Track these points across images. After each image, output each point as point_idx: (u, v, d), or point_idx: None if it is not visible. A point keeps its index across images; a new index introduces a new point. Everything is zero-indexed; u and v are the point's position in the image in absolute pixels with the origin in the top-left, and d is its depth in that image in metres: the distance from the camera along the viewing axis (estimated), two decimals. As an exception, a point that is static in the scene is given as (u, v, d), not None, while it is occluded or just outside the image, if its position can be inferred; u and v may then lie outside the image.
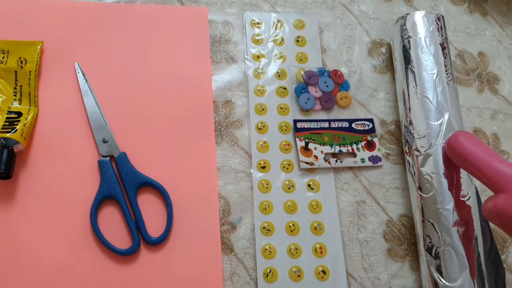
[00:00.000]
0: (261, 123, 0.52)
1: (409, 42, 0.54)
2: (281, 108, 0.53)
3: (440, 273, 0.44)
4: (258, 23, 0.57)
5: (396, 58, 0.56)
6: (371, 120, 0.53)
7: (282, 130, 0.52)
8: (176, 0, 0.56)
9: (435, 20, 0.54)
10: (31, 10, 0.52)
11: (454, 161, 0.45)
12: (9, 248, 0.43)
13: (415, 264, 0.49)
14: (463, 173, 0.47)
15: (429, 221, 0.46)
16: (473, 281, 0.43)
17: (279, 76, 0.54)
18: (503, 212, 0.38)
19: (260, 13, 0.57)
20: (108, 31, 0.53)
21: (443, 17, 0.55)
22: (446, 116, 0.49)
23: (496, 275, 0.46)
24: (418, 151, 0.49)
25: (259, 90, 0.53)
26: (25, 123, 0.46)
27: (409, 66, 0.53)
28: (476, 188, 0.48)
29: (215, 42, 0.55)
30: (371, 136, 0.53)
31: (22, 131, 0.45)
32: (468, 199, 0.46)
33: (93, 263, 0.44)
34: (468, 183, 0.47)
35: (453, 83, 0.52)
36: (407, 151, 0.51)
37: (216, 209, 0.48)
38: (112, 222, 0.46)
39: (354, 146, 0.52)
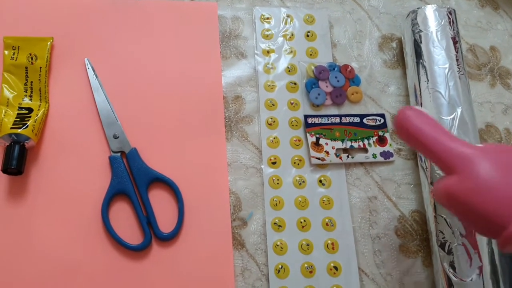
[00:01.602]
0: (271, 118, 0.52)
1: (420, 36, 0.53)
2: (292, 104, 0.52)
3: (454, 269, 0.44)
4: (267, 18, 0.56)
5: (407, 53, 0.55)
6: (382, 116, 0.53)
7: (292, 125, 0.52)
8: (186, -4, 0.56)
9: (447, 14, 0.54)
10: (41, 6, 0.52)
11: (402, 139, 0.40)
12: (20, 244, 0.43)
13: (427, 260, 0.48)
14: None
15: (442, 217, 0.46)
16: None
17: (289, 71, 0.54)
18: (453, 196, 0.35)
19: (270, 8, 0.57)
20: (117, 27, 0.53)
21: (454, 11, 0.55)
22: (459, 110, 0.49)
23: (511, 272, 0.45)
24: (430, 146, 0.48)
25: (269, 86, 0.53)
26: (36, 119, 0.46)
27: (421, 60, 0.52)
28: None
29: (225, 38, 0.55)
30: (382, 132, 0.52)
31: (33, 127, 0.45)
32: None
33: (104, 259, 0.44)
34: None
35: (465, 78, 0.51)
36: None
37: (227, 204, 0.48)
38: (123, 217, 0.45)
39: (366, 141, 0.51)
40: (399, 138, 0.42)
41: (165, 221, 0.46)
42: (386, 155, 0.52)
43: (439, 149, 0.37)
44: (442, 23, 0.53)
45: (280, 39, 0.55)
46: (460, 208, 0.35)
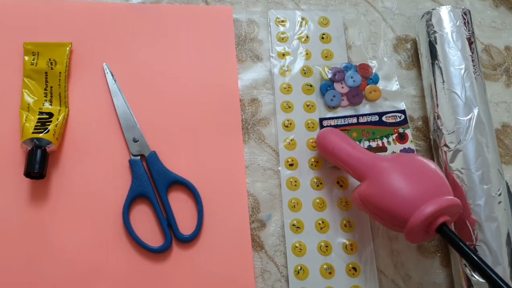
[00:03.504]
0: (288, 120, 0.52)
1: (435, 37, 0.53)
2: (308, 106, 0.53)
3: (473, 269, 0.44)
4: (282, 21, 0.57)
5: (422, 54, 0.55)
6: (403, 112, 0.53)
7: (309, 127, 0.52)
8: (201, 0, 0.56)
9: (462, 15, 0.54)
10: (59, 12, 0.53)
11: (323, 156, 0.49)
12: (43, 247, 0.44)
13: (446, 260, 0.49)
14: (493, 168, 0.47)
15: (459, 217, 0.46)
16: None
17: (304, 73, 0.54)
18: (365, 197, 0.42)
19: (285, 11, 0.57)
20: (134, 32, 0.54)
21: (469, 11, 0.55)
22: (475, 111, 0.49)
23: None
24: (447, 146, 0.48)
25: (285, 88, 0.53)
26: (57, 124, 0.47)
27: (436, 61, 0.52)
28: (507, 184, 0.47)
29: (240, 41, 0.55)
30: (403, 128, 0.52)
31: (54, 132, 0.46)
32: (500, 194, 0.46)
33: (126, 261, 0.44)
34: (499, 179, 0.46)
35: (481, 78, 0.52)
36: (436, 146, 0.50)
37: (245, 206, 0.48)
38: (144, 220, 0.46)
39: (385, 139, 0.51)
40: (320, 153, 0.50)
41: (185, 223, 0.46)
42: (406, 152, 0.51)
43: (352, 161, 0.45)
44: (458, 24, 0.53)
45: (295, 41, 0.56)
46: (371, 208, 0.42)
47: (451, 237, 0.39)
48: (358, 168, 0.44)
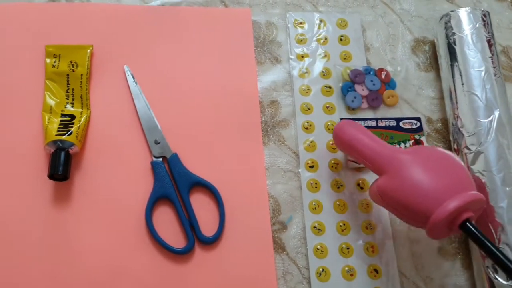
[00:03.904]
0: (307, 122, 0.52)
1: (454, 39, 0.53)
2: (327, 107, 0.53)
3: (496, 271, 0.44)
4: (301, 23, 0.57)
5: (441, 56, 0.55)
6: (418, 119, 0.53)
7: (328, 129, 0.52)
8: (220, 2, 0.57)
9: (481, 17, 0.54)
10: (80, 15, 0.53)
11: (340, 148, 0.47)
12: (66, 249, 0.44)
13: (467, 262, 0.49)
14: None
15: (481, 219, 0.46)
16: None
17: (323, 75, 0.54)
18: (384, 192, 0.41)
19: (303, 13, 0.57)
20: (154, 34, 0.54)
21: (488, 13, 0.55)
22: (496, 113, 0.49)
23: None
24: (468, 149, 0.48)
25: (304, 90, 0.53)
26: (79, 126, 0.47)
27: (456, 63, 0.52)
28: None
29: (259, 43, 0.55)
30: (418, 135, 0.52)
31: (77, 134, 0.46)
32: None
33: (148, 263, 0.45)
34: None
35: (501, 80, 0.52)
36: (456, 149, 0.50)
37: (266, 208, 0.48)
38: (166, 221, 0.46)
39: (402, 145, 0.52)
40: (336, 146, 0.48)
41: (206, 225, 0.46)
42: (422, 158, 0.52)
43: (370, 153, 0.43)
44: (477, 25, 0.53)
45: (314, 43, 0.56)
46: (391, 203, 0.40)
47: (475, 233, 0.38)
48: (377, 160, 0.43)
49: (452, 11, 0.55)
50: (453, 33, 0.54)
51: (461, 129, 0.50)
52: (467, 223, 0.38)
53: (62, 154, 0.45)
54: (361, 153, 0.44)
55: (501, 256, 0.36)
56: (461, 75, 0.52)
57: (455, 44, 0.53)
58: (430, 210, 0.38)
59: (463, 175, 0.40)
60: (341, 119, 0.52)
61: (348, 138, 0.45)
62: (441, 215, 0.37)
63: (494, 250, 0.37)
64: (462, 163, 0.41)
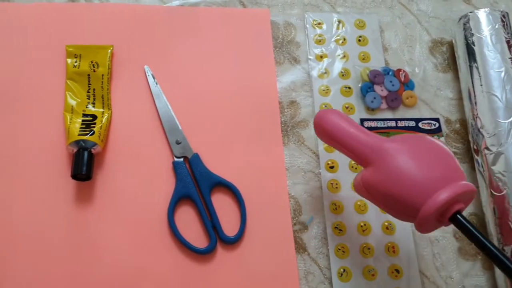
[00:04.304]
0: (331, 123, 0.52)
1: (473, 40, 0.53)
2: (346, 108, 0.53)
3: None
4: (319, 24, 0.57)
5: (459, 57, 0.55)
6: (437, 120, 0.53)
7: (347, 129, 0.52)
8: (238, 3, 0.57)
9: (501, 18, 0.54)
10: (99, 15, 0.53)
11: (322, 139, 0.44)
12: (89, 249, 0.44)
13: (487, 262, 0.49)
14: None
15: (503, 220, 0.46)
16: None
17: (342, 75, 0.54)
18: (370, 184, 0.38)
19: (321, 14, 0.58)
20: (173, 34, 0.54)
21: (507, 14, 0.55)
22: (517, 114, 0.49)
23: None
24: (489, 149, 0.49)
25: (323, 90, 0.54)
26: (101, 126, 0.47)
27: (475, 64, 0.52)
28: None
29: (278, 43, 0.55)
30: (437, 136, 0.52)
31: (99, 133, 0.46)
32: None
33: (171, 262, 0.45)
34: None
35: (520, 81, 0.52)
36: (476, 149, 0.51)
37: (287, 209, 0.48)
38: (188, 221, 0.46)
39: (421, 145, 0.52)
40: (318, 137, 0.44)
41: (228, 225, 0.46)
42: (441, 158, 0.52)
43: (354, 143, 0.40)
44: (496, 26, 0.53)
45: (333, 44, 0.56)
46: (377, 196, 0.38)
47: (466, 226, 0.35)
48: (362, 151, 0.39)
49: (470, 12, 0.55)
50: (472, 34, 0.54)
51: (480, 130, 0.50)
52: (458, 216, 0.35)
53: (85, 154, 0.45)
54: (344, 143, 0.41)
55: (493, 249, 0.34)
56: (480, 76, 0.52)
57: (474, 45, 0.53)
58: (420, 203, 0.35)
59: (452, 164, 0.37)
60: (361, 119, 0.52)
61: (330, 127, 0.41)
62: (432, 207, 0.34)
63: (486, 242, 0.34)
64: (450, 152, 0.38)
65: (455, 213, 0.35)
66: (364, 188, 0.39)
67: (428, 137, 0.40)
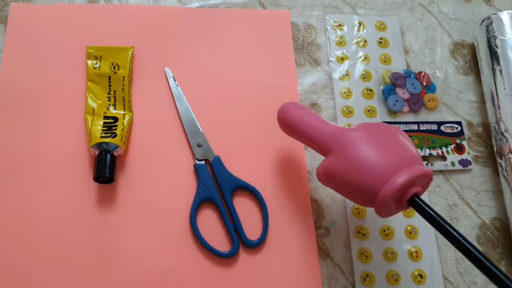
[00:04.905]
0: (349, 125, 0.52)
1: (496, 42, 0.53)
2: (368, 111, 0.53)
3: (544, 278, 0.43)
4: (340, 25, 0.56)
5: (481, 59, 0.55)
6: (459, 123, 0.53)
7: (369, 132, 0.52)
8: (258, 4, 0.56)
9: (524, 20, 0.53)
10: (118, 16, 0.53)
11: (285, 131, 0.45)
12: (112, 252, 0.44)
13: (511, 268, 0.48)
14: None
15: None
16: None
17: (364, 78, 0.54)
18: (330, 172, 0.39)
19: (342, 15, 0.57)
20: (194, 36, 0.54)
21: (531, 16, 0.54)
22: (542, 117, 0.48)
23: None
24: (513, 153, 0.48)
25: (344, 93, 0.53)
26: (123, 128, 0.47)
27: (498, 67, 0.52)
28: None
29: (298, 45, 0.55)
30: (459, 139, 0.52)
31: (122, 136, 0.46)
32: None
33: (194, 266, 0.44)
34: None
35: (545, 84, 0.51)
36: (499, 153, 0.50)
37: (309, 212, 0.48)
38: (210, 224, 0.46)
39: (444, 149, 0.51)
40: (282, 129, 0.46)
41: (250, 228, 0.46)
42: (464, 163, 0.51)
43: (315, 133, 0.41)
44: (520, 29, 0.52)
45: (354, 46, 0.55)
46: (338, 183, 0.39)
47: (423, 208, 0.36)
48: (322, 141, 0.41)
49: (494, 14, 0.54)
50: (495, 37, 0.53)
51: (504, 133, 0.49)
52: (415, 198, 0.36)
53: (108, 156, 0.45)
54: (305, 133, 0.42)
55: (450, 230, 0.34)
56: (503, 79, 0.51)
57: (497, 48, 0.53)
58: (378, 187, 0.36)
59: (409, 150, 0.38)
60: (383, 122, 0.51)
61: (292, 119, 0.43)
62: (389, 191, 0.35)
63: (444, 224, 0.35)
64: (408, 138, 0.39)
65: (413, 196, 0.36)
66: (325, 176, 0.40)
67: (386, 124, 0.41)
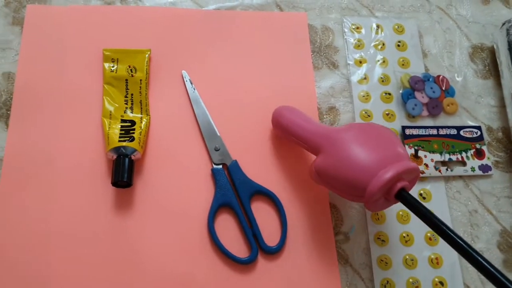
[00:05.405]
0: (366, 130, 0.51)
1: (517, 46, 0.52)
2: (387, 115, 0.52)
3: None
4: (358, 28, 0.56)
5: (501, 62, 0.54)
6: (479, 128, 0.52)
7: (388, 137, 0.51)
8: (275, 6, 0.56)
9: (546, 23, 0.52)
10: (135, 18, 0.53)
11: (278, 133, 0.48)
12: (129, 256, 0.44)
13: (533, 276, 0.47)
14: None
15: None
16: None
17: (382, 81, 0.53)
18: (321, 169, 0.40)
19: (359, 18, 0.56)
20: (210, 38, 0.53)
21: (552, 19, 0.53)
22: None
23: None
24: (535, 159, 0.47)
25: (363, 96, 0.52)
26: (141, 132, 0.46)
27: (519, 70, 0.51)
28: None
29: (315, 48, 0.54)
30: (479, 144, 0.51)
31: (139, 140, 0.46)
32: None
33: (212, 271, 0.44)
34: None
35: None
36: (520, 159, 0.49)
37: (328, 218, 0.47)
38: (228, 229, 0.45)
39: (463, 154, 0.51)
40: (274, 131, 0.49)
41: (268, 234, 0.46)
42: (484, 168, 0.51)
43: (306, 134, 0.44)
44: (542, 32, 0.52)
45: (372, 49, 0.55)
46: (328, 180, 0.40)
47: (411, 202, 0.37)
48: (313, 140, 0.43)
49: (514, 17, 0.54)
50: (516, 40, 0.52)
51: (525, 138, 0.49)
52: (403, 192, 0.37)
53: (126, 160, 0.44)
54: (297, 134, 0.44)
55: (439, 223, 0.35)
56: (524, 83, 0.51)
57: (518, 51, 0.52)
58: (366, 182, 0.37)
59: (396, 147, 0.39)
60: (402, 127, 0.51)
61: (285, 121, 0.46)
62: (377, 185, 0.36)
63: (432, 218, 0.36)
64: (395, 136, 0.41)
65: (400, 190, 0.37)
66: (316, 173, 0.41)
67: (376, 124, 0.42)
